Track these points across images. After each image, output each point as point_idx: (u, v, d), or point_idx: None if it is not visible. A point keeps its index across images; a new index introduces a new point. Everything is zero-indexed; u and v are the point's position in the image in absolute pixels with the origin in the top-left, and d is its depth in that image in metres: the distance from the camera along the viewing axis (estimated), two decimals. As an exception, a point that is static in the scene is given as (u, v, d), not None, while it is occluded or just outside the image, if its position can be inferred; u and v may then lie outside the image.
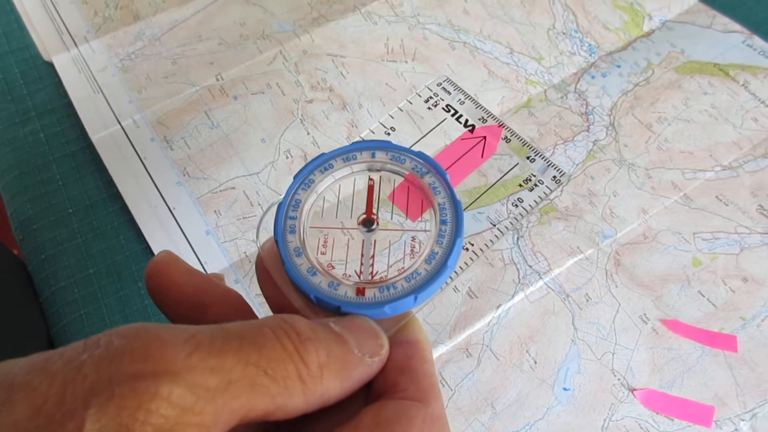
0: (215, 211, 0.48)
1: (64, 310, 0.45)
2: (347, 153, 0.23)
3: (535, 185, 0.24)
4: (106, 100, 0.54)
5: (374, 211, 0.22)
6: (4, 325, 0.43)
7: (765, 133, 0.51)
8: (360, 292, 0.21)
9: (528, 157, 0.25)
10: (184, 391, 0.16)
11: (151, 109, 0.53)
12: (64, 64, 0.57)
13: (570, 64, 0.57)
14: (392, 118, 0.25)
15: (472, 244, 0.23)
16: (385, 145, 0.23)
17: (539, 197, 0.24)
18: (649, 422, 0.40)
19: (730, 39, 0.58)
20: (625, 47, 0.58)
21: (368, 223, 0.22)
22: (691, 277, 0.45)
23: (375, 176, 0.23)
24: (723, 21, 0.59)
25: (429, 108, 0.26)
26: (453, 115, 0.26)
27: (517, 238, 0.47)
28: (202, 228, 0.47)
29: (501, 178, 0.24)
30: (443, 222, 0.21)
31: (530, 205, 0.24)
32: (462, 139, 0.25)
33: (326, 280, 0.21)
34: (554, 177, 0.24)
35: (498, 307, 0.44)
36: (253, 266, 0.45)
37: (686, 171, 0.50)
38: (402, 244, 0.21)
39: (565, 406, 0.41)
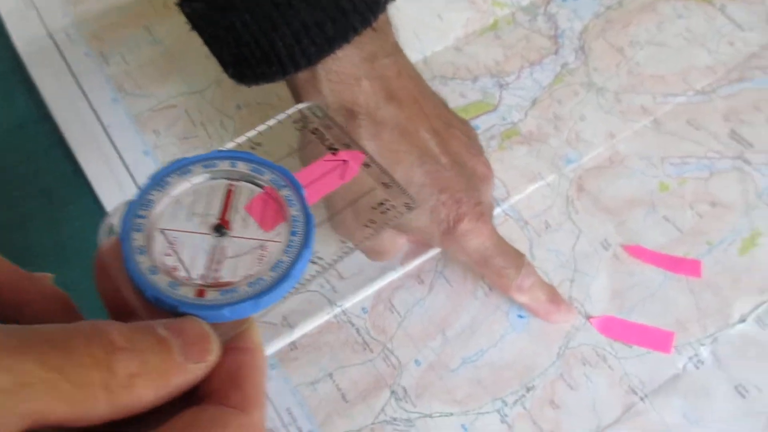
0: (154, 131, 0.45)
1: (-12, 232, 0.42)
2: (208, 160, 0.24)
3: (387, 209, 0.26)
4: (38, 12, 0.50)
5: (228, 218, 0.23)
6: None
7: (740, 57, 0.48)
8: (200, 293, 0.21)
9: (384, 183, 0.27)
10: None
11: (87, 22, 0.50)
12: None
13: (540, -15, 0.54)
14: (260, 134, 0.26)
15: (321, 258, 0.24)
16: (246, 157, 0.24)
17: (390, 220, 0.26)
18: (607, 349, 0.38)
19: (709, -38, 0.55)
20: (599, -31, 0.55)
21: (219, 228, 0.23)
22: (658, 202, 0.43)
23: (235, 185, 0.24)
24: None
25: (297, 129, 0.28)
26: (318, 138, 0.27)
27: (477, 162, 0.44)
28: (139, 148, 0.44)
29: (357, 200, 0.27)
30: (293, 233, 0.22)
31: (380, 227, 0.26)
32: (324, 160, 0.26)
33: (166, 280, 0.21)
34: (406, 203, 0.26)
35: (453, 231, 0.42)
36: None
37: (657, 95, 0.47)
38: (252, 252, 0.22)
39: (519, 333, 0.39)
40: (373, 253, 0.40)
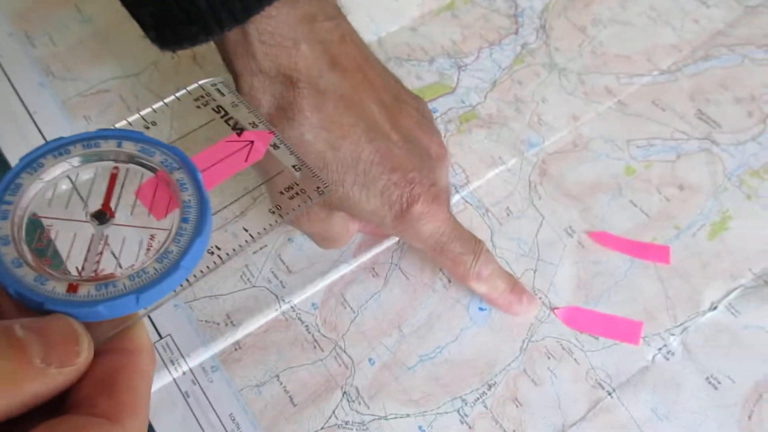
0: (85, 117, 0.42)
1: None
2: (89, 140, 0.21)
3: (296, 194, 0.24)
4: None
5: (112, 204, 0.21)
6: None
7: (706, 35, 0.47)
8: (72, 288, 0.19)
9: (294, 166, 0.25)
10: None
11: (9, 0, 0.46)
12: None
13: (500, -37, 0.51)
14: (155, 112, 0.24)
15: (219, 248, 0.21)
16: (134, 136, 0.22)
17: (298, 206, 0.24)
18: (573, 342, 0.36)
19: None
20: (560, -53, 0.53)
21: (101, 215, 0.21)
22: (623, 186, 0.40)
23: (120, 168, 0.21)
24: None
25: (198, 107, 0.26)
26: (222, 117, 0.25)
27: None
28: (69, 136, 0.41)
29: (261, 185, 0.25)
30: (185, 220, 0.20)
31: (287, 213, 0.24)
32: (227, 141, 0.24)
33: (33, 274, 0.19)
34: (317, 188, 0.25)
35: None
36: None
37: (621, 76, 0.45)
38: (138, 243, 0.20)
39: (480, 327, 0.36)
40: (323, 240, 0.37)
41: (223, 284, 0.37)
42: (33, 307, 0.18)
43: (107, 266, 0.19)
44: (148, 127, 0.24)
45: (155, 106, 0.24)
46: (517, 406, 0.34)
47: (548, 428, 0.33)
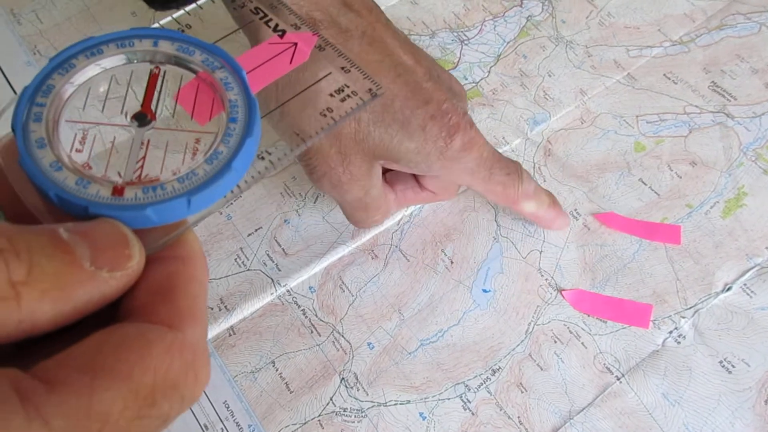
0: (74, 97, 0.40)
1: None
2: (123, 39, 0.19)
3: (348, 96, 0.22)
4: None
5: (153, 106, 0.19)
6: None
7: (721, 3, 0.45)
8: (117, 191, 0.17)
9: (342, 68, 0.23)
10: None
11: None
12: None
13: (504, -68, 0.49)
14: (189, 14, 0.23)
15: (270, 153, 0.20)
16: (171, 35, 0.20)
17: (351, 108, 0.22)
18: (580, 325, 0.34)
19: None
20: None
21: (141, 117, 0.19)
22: (632, 164, 0.39)
23: (160, 69, 0.20)
24: None
25: (235, 9, 0.24)
26: (262, 18, 0.23)
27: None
28: (57, 116, 0.40)
29: (310, 87, 0.23)
30: (232, 120, 0.19)
31: (340, 116, 0.22)
32: (269, 44, 0.22)
33: (74, 177, 0.17)
34: (370, 89, 0.23)
35: (409, 201, 0.38)
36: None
37: (631, 48, 0.43)
38: (183, 145, 0.18)
39: (484, 309, 0.35)
40: (360, 210, 0.34)
41: (216, 268, 0.36)
42: (76, 213, 0.17)
43: (150, 172, 0.18)
44: (183, 30, 0.22)
45: (188, 8, 0.23)
46: (522, 392, 0.33)
47: (554, 415, 0.32)
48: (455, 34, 0.44)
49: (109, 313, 0.17)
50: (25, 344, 0.15)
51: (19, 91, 0.41)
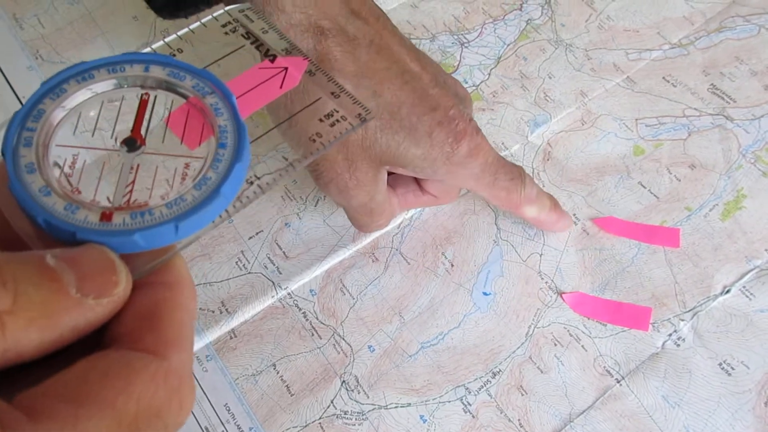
0: (75, 101, 0.41)
1: None
2: (114, 64, 0.20)
3: (337, 121, 0.23)
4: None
5: (142, 131, 0.19)
6: None
7: (720, 5, 0.45)
8: (105, 217, 0.17)
9: (332, 93, 0.23)
10: None
11: (-1, -18, 0.45)
12: None
13: (504, -65, 0.50)
14: (180, 39, 0.23)
15: (258, 177, 0.20)
16: (162, 60, 0.20)
17: (340, 133, 0.22)
18: (580, 328, 0.34)
19: None
20: None
21: (131, 142, 0.19)
22: (632, 168, 0.39)
23: (150, 94, 0.20)
24: None
25: (226, 33, 0.24)
26: (253, 43, 0.24)
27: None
28: (59, 120, 0.40)
29: (300, 111, 0.24)
30: (222, 146, 0.19)
31: (329, 141, 0.22)
32: (260, 68, 0.23)
33: (63, 203, 0.17)
34: (359, 114, 0.23)
35: (409, 205, 0.38)
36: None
37: (630, 51, 0.43)
38: (172, 171, 0.18)
39: (484, 312, 0.35)
40: (365, 214, 0.34)
41: (217, 271, 0.36)
42: (64, 238, 0.17)
43: (139, 197, 0.18)
44: (174, 54, 0.22)
45: (181, 33, 0.23)
46: (522, 395, 0.33)
47: (555, 417, 0.32)
48: (455, 37, 0.44)
49: (95, 339, 0.17)
50: (9, 371, 0.15)
51: (21, 95, 0.41)
